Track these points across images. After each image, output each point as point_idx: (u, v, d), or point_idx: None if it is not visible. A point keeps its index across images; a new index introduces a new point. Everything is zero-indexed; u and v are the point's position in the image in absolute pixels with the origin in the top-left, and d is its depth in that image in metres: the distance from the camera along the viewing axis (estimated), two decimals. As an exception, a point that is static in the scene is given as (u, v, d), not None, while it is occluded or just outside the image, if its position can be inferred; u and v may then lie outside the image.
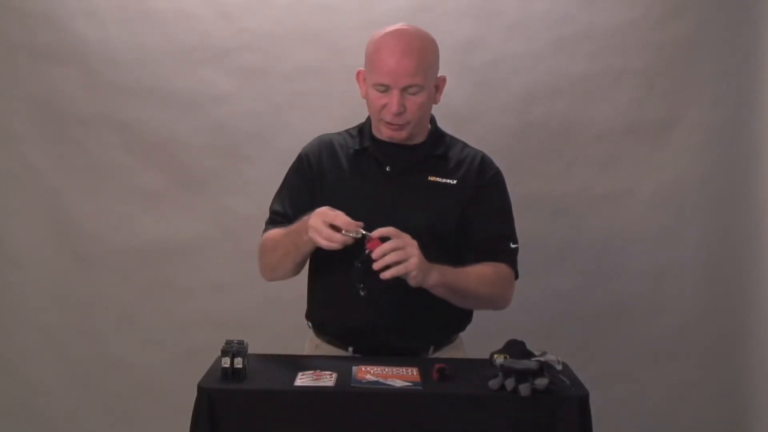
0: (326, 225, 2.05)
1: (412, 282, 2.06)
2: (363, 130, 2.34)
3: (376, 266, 2.02)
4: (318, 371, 2.01)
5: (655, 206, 3.05)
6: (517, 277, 2.32)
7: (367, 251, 2.02)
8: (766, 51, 2.83)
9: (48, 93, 3.03)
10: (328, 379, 1.97)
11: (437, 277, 2.10)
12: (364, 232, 2.03)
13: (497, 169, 2.34)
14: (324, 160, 2.31)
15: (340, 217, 2.05)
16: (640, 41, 2.99)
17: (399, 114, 2.20)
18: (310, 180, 2.30)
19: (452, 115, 2.93)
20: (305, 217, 2.12)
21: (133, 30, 3.00)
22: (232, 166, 3.05)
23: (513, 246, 2.30)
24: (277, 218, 2.31)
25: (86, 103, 3.03)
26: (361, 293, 2.07)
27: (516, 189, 2.90)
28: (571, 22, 2.99)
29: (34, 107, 3.04)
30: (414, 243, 2.04)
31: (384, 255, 2.01)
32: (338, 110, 2.76)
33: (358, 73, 2.31)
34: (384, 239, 2.02)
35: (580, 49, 3.00)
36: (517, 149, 3.03)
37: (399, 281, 2.06)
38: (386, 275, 2.02)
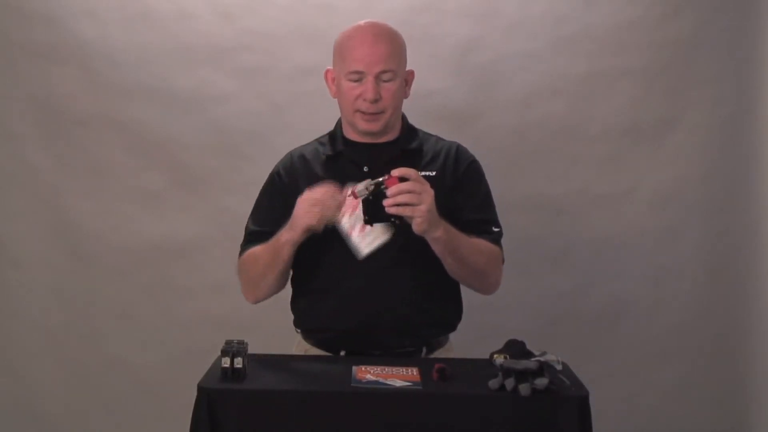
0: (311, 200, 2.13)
1: (416, 228, 2.07)
2: (334, 135, 2.36)
3: (386, 203, 2.04)
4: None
5: (655, 206, 3.05)
6: (503, 260, 2.33)
7: (383, 187, 2.05)
8: (766, 51, 2.83)
9: (48, 93, 3.03)
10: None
11: (442, 233, 2.10)
12: (381, 179, 2.07)
13: (473, 157, 2.36)
14: (297, 172, 2.34)
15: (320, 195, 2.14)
16: (640, 41, 2.99)
17: (375, 101, 2.22)
18: (284, 196, 2.31)
19: (452, 115, 2.95)
20: (282, 229, 2.18)
21: (133, 30, 3.00)
22: (232, 165, 3.05)
23: (496, 229, 2.31)
24: (252, 238, 2.35)
25: (86, 103, 3.03)
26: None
27: (516, 189, 2.92)
28: (570, 22, 2.99)
29: (34, 107, 3.04)
30: (430, 191, 2.06)
31: (398, 194, 2.03)
32: (338, 110, 2.75)
33: (326, 72, 2.34)
34: (404, 180, 2.05)
35: (580, 49, 3.00)
36: (517, 149, 3.03)
37: (404, 225, 2.08)
38: (392, 211, 2.04)
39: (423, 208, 2.04)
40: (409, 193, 2.03)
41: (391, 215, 2.06)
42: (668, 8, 2.98)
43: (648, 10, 2.98)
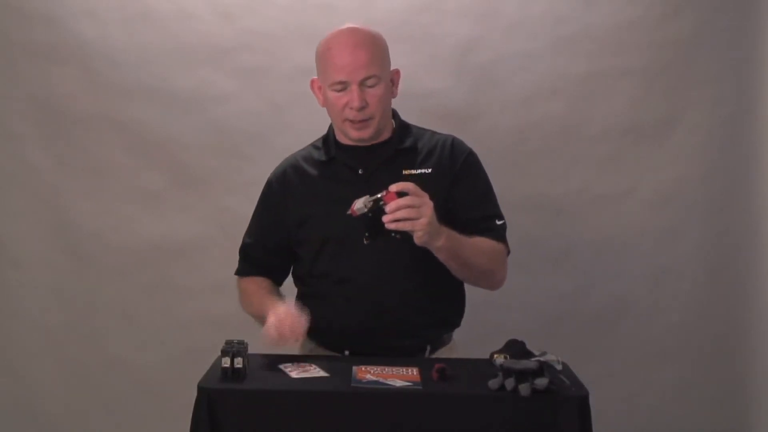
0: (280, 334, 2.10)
1: (417, 241, 2.07)
2: (327, 139, 2.36)
3: (385, 219, 2.03)
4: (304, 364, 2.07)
5: (655, 206, 3.04)
6: (509, 251, 2.34)
7: (381, 203, 2.05)
8: (766, 51, 2.83)
9: (48, 93, 3.03)
10: (316, 371, 2.02)
11: (444, 241, 2.10)
12: (379, 195, 2.06)
13: (470, 149, 2.35)
14: (291, 179, 2.34)
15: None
16: (640, 41, 2.99)
17: (362, 109, 2.21)
18: (276, 206, 2.34)
19: (452, 115, 2.95)
20: (270, 303, 2.19)
21: (133, 30, 3.00)
22: (232, 165, 3.05)
23: (499, 222, 2.31)
24: (248, 251, 2.40)
25: (86, 103, 3.03)
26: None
27: (516, 189, 2.92)
28: (570, 22, 2.99)
29: (34, 107, 3.04)
30: (429, 203, 2.05)
31: (397, 210, 2.02)
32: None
33: (312, 82, 2.33)
34: (402, 194, 2.04)
35: (580, 49, 3.00)
36: (517, 149, 3.03)
37: (405, 238, 2.09)
38: (391, 227, 2.04)
39: (423, 221, 2.03)
40: (408, 208, 2.03)
41: (391, 230, 2.06)
42: (668, 8, 2.97)
43: (648, 10, 2.98)
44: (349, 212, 2.11)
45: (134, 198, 3.07)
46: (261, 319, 2.23)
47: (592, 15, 2.98)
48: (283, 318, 2.11)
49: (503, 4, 2.99)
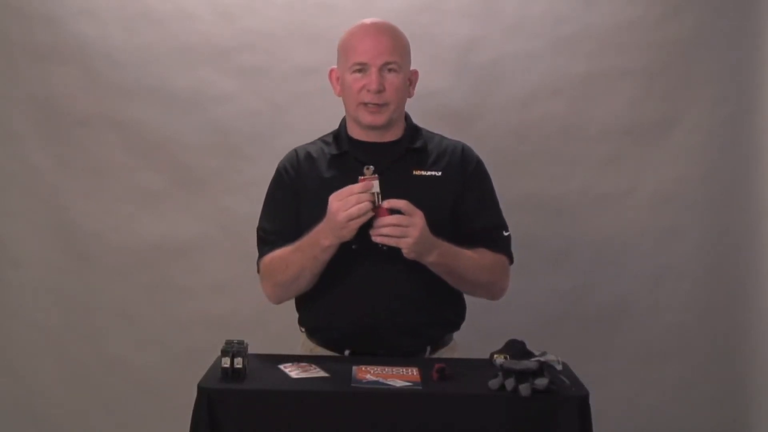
0: (348, 217, 2.07)
1: (405, 256, 2.11)
2: (338, 135, 2.36)
3: (371, 232, 2.07)
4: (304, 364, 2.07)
5: (655, 206, 3.05)
6: (512, 262, 2.35)
7: (372, 215, 2.08)
8: (766, 51, 2.83)
9: (48, 93, 3.03)
10: (316, 371, 2.02)
11: (435, 258, 2.14)
12: (378, 195, 2.08)
13: (478, 158, 2.37)
14: (303, 168, 2.33)
15: (354, 194, 2.08)
16: (640, 41, 2.99)
17: (378, 92, 2.23)
18: (292, 191, 2.32)
19: (452, 115, 2.95)
20: (315, 229, 2.15)
21: (133, 30, 3.00)
22: (232, 166, 3.05)
23: (506, 234, 2.34)
24: (269, 237, 2.32)
25: (86, 103, 3.03)
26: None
27: (516, 189, 2.92)
28: (570, 22, 2.99)
29: (34, 107, 3.04)
30: (418, 224, 2.07)
31: (383, 227, 2.06)
32: (338, 110, 2.76)
33: (331, 72, 2.36)
34: (394, 211, 2.07)
35: (580, 49, 3.00)
36: (517, 149, 3.03)
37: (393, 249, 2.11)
38: (377, 240, 2.09)
39: (408, 240, 2.07)
40: (394, 227, 2.06)
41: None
42: (668, 8, 2.98)
43: (648, 10, 2.98)
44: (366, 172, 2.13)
45: (134, 198, 3.07)
46: (309, 270, 2.20)
47: (592, 15, 2.98)
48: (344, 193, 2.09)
49: (503, 4, 2.99)
